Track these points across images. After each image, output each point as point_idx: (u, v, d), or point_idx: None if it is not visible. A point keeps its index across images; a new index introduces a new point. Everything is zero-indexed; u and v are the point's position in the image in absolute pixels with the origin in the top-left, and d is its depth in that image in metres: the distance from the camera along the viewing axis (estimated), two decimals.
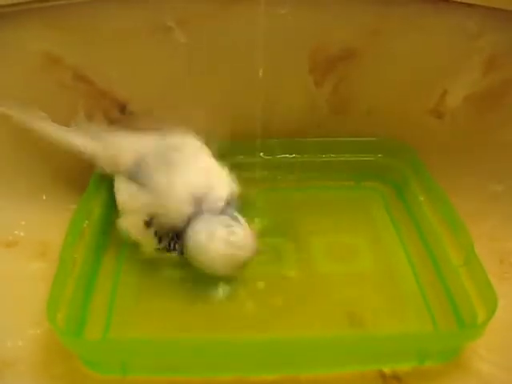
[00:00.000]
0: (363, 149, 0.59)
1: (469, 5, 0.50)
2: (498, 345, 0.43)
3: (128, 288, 0.48)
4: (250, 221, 0.54)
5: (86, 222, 0.50)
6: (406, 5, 0.51)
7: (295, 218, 0.55)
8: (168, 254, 0.47)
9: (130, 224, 0.48)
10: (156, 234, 0.47)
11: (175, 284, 0.49)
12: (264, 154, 0.58)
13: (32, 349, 0.43)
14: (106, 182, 0.54)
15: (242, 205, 0.56)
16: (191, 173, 0.47)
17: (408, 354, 0.42)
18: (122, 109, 0.56)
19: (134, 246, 0.50)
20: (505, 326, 0.44)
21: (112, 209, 0.54)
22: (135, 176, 0.48)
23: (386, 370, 0.42)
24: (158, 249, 0.47)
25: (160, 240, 0.47)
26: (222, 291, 0.48)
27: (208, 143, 0.51)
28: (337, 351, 0.41)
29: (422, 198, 0.54)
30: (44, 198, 0.55)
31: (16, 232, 0.52)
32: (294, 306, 0.47)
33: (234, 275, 0.47)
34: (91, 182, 0.53)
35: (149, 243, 0.48)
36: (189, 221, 0.45)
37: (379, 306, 0.47)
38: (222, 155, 0.51)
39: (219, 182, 0.47)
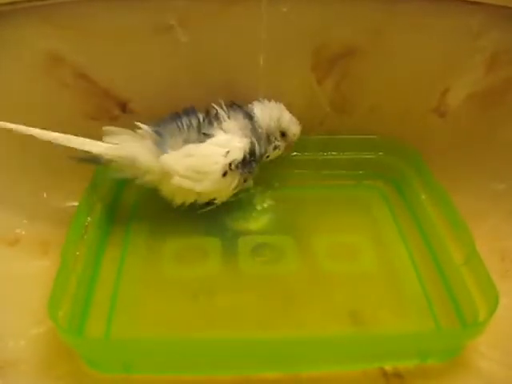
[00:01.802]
0: (365, 147, 0.59)
1: (471, 2, 0.50)
2: (499, 343, 0.44)
3: (130, 286, 0.48)
4: (251, 220, 0.55)
5: (88, 220, 0.50)
6: (409, 3, 0.51)
7: (297, 216, 0.55)
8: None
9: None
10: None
11: (177, 281, 0.49)
12: None
13: (34, 348, 0.43)
14: (107, 181, 0.54)
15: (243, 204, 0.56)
16: None
17: (410, 353, 0.42)
18: (123, 107, 0.55)
19: (136, 243, 0.50)
20: (506, 324, 0.44)
21: (113, 207, 0.55)
22: None
23: (388, 368, 0.42)
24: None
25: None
26: None
27: None
28: (339, 349, 0.41)
29: (423, 197, 0.54)
30: (45, 196, 0.55)
31: (18, 230, 0.52)
32: (295, 305, 0.47)
33: None
34: (92, 180, 0.53)
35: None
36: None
37: (381, 304, 0.47)
38: None
39: None
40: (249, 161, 0.51)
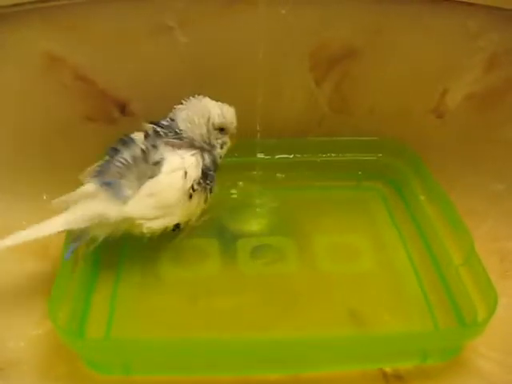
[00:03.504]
0: (364, 148, 0.59)
1: (470, 4, 0.50)
2: (498, 343, 0.44)
3: (129, 287, 0.48)
4: (250, 221, 0.55)
5: None
6: (408, 3, 0.51)
7: (296, 218, 0.55)
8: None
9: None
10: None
11: (176, 283, 0.49)
12: (264, 155, 0.58)
13: (34, 349, 0.43)
14: None
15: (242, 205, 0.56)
16: None
17: (409, 353, 0.42)
18: (122, 109, 0.56)
19: (136, 245, 0.50)
20: (505, 324, 0.44)
21: None
22: None
23: (388, 368, 0.42)
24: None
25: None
26: None
27: None
28: (339, 350, 0.41)
29: (422, 198, 0.54)
30: (44, 197, 0.55)
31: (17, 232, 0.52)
32: (295, 306, 0.47)
33: None
34: None
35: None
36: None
37: (380, 305, 0.47)
38: None
39: None
40: (207, 172, 0.48)
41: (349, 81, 0.56)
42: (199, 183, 0.48)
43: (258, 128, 0.55)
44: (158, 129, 0.48)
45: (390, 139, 0.58)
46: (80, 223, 0.45)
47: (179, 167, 0.47)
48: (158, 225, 0.47)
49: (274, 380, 0.42)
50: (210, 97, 0.53)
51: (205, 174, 0.48)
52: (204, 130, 0.49)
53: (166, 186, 0.46)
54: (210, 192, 0.49)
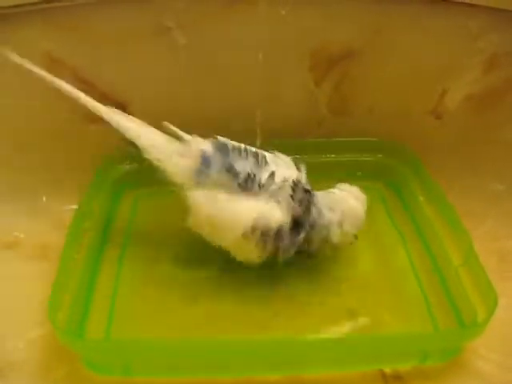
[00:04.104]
0: (363, 149, 0.59)
1: (470, 5, 0.50)
2: (498, 344, 0.44)
3: (129, 288, 0.48)
4: None
5: (87, 222, 0.50)
6: (408, 4, 0.51)
7: None
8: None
9: None
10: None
11: (176, 284, 0.49)
12: None
13: (33, 350, 0.43)
14: (106, 183, 0.54)
15: None
16: None
17: (409, 354, 0.42)
18: (123, 110, 0.55)
19: (135, 246, 0.50)
20: (505, 325, 0.44)
21: (112, 209, 0.55)
22: None
23: (388, 369, 0.42)
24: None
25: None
26: None
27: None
28: (338, 351, 0.41)
29: (421, 199, 0.54)
30: (44, 199, 0.55)
31: (16, 233, 0.52)
32: (295, 307, 0.47)
33: None
34: (91, 182, 0.53)
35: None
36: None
37: (380, 305, 0.47)
38: None
39: None
40: (282, 236, 0.44)
41: (348, 81, 0.56)
42: (262, 235, 0.44)
43: (258, 129, 0.55)
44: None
45: (389, 140, 0.58)
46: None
47: (258, 209, 0.44)
48: (200, 232, 0.46)
49: (274, 381, 0.42)
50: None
51: (279, 234, 0.44)
52: (334, 218, 0.47)
53: (233, 210, 0.44)
54: (277, 250, 0.45)
